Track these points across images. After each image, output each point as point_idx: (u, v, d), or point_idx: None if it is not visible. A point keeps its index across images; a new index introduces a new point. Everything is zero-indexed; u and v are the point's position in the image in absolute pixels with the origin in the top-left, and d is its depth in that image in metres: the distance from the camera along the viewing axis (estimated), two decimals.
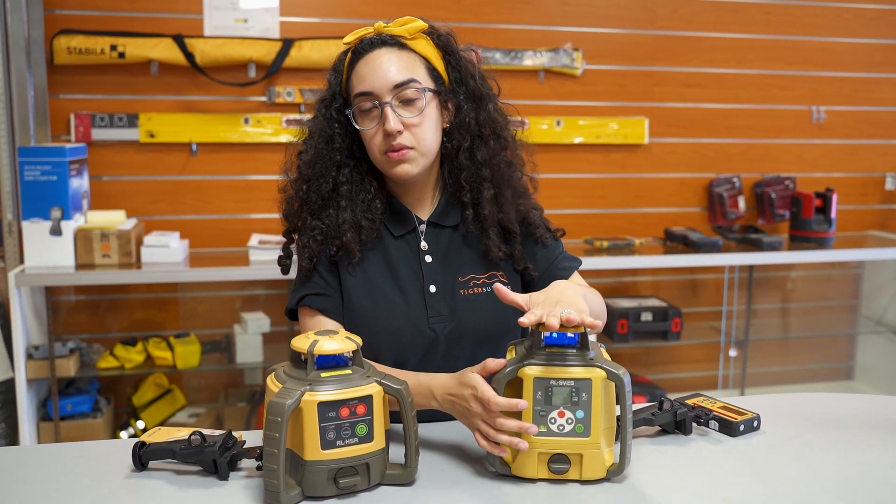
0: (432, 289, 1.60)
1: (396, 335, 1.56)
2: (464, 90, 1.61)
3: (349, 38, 1.59)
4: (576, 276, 1.70)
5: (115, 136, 3.39)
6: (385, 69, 1.53)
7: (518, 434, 1.26)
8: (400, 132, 1.52)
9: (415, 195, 1.65)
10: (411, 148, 1.54)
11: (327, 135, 1.60)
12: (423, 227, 1.64)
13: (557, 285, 1.38)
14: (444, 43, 1.61)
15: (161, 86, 3.41)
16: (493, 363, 1.30)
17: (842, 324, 4.36)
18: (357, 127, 1.56)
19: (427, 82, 1.56)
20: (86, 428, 3.18)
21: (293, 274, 1.68)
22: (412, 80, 1.54)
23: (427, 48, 1.59)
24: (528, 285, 1.68)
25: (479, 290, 1.61)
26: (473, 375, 1.32)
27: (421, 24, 1.58)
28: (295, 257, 1.67)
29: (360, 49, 1.56)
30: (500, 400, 1.27)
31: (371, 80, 1.53)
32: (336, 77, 1.62)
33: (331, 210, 1.60)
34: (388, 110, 1.52)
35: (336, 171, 1.60)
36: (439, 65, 1.60)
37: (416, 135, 1.54)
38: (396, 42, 1.56)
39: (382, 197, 1.63)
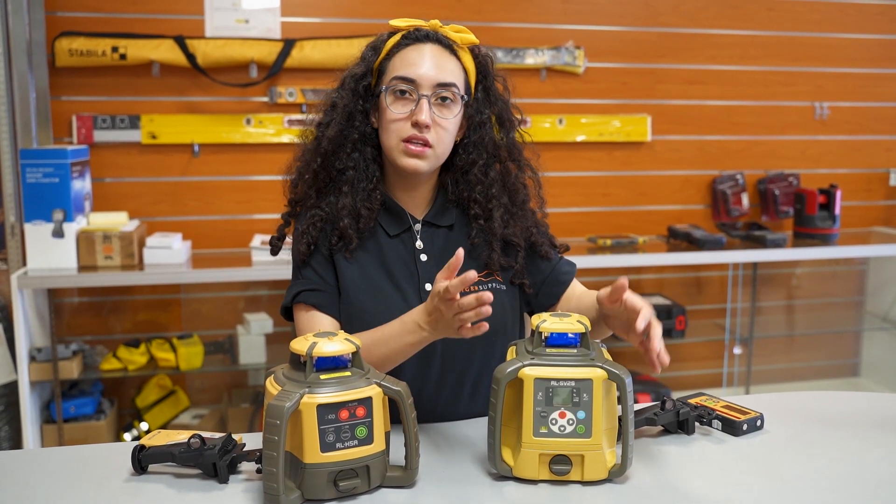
0: (428, 287, 1.61)
1: None
2: (488, 111, 1.64)
3: (401, 23, 1.61)
4: (575, 282, 1.73)
5: (116, 138, 3.39)
6: (435, 63, 1.56)
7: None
8: (428, 127, 1.54)
9: (412, 194, 1.66)
10: (431, 147, 1.55)
11: (350, 111, 1.60)
12: (418, 227, 1.65)
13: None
14: (482, 63, 1.65)
15: (163, 87, 3.41)
16: (453, 261, 1.34)
17: (847, 320, 4.34)
18: (386, 106, 1.56)
19: (463, 92, 1.59)
20: (89, 430, 3.18)
21: (288, 267, 1.69)
22: (454, 85, 1.57)
23: (469, 62, 1.63)
24: (524, 296, 1.70)
25: (476, 288, 1.61)
26: (434, 285, 1.36)
27: (473, 38, 1.63)
28: (288, 249, 1.68)
29: (414, 36, 1.59)
30: (454, 281, 1.30)
31: (418, 69, 1.55)
32: (373, 55, 1.62)
33: (332, 196, 1.61)
34: (425, 102, 1.54)
35: (350, 151, 1.60)
36: (472, 81, 1.63)
37: (440, 136, 1.56)
38: (449, 45, 1.60)
39: (381, 190, 1.63)
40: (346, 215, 1.58)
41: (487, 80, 1.65)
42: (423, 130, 1.54)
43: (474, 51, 1.64)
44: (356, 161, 1.60)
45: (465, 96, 1.60)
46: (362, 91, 1.61)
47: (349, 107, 1.60)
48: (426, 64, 1.55)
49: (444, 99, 1.56)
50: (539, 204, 1.73)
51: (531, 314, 1.74)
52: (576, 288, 1.72)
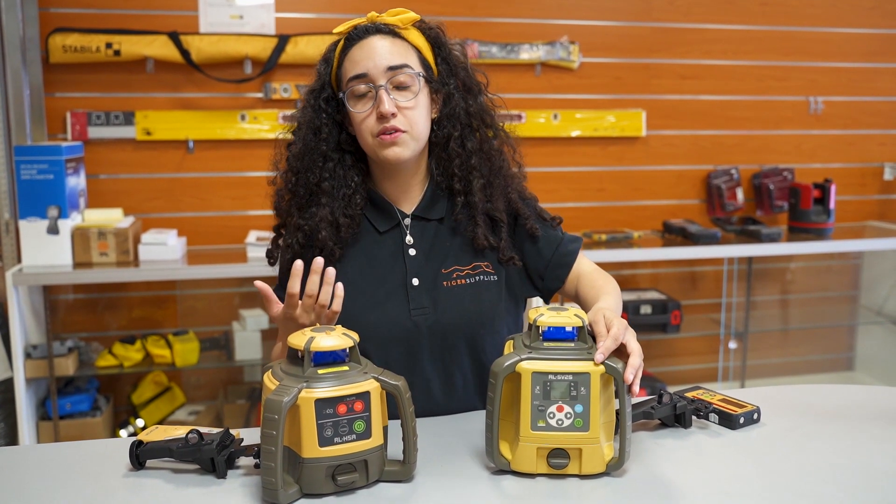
0: (415, 282, 1.61)
1: (375, 330, 1.57)
2: (454, 81, 1.64)
3: (341, 28, 1.61)
4: (582, 258, 1.72)
5: (111, 134, 3.38)
6: (380, 53, 1.56)
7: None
8: (394, 115, 1.54)
9: (401, 187, 1.66)
10: (404, 131, 1.55)
11: (315, 126, 1.62)
12: (407, 221, 1.66)
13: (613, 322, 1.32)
14: (434, 35, 1.65)
15: (157, 83, 3.40)
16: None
17: (841, 314, 4.35)
18: (350, 109, 1.57)
19: (419, 70, 1.59)
20: (85, 427, 3.18)
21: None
22: (406, 66, 1.56)
23: (418, 39, 1.62)
24: (531, 276, 1.70)
25: (462, 281, 1.62)
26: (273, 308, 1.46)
27: (413, 15, 1.62)
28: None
29: (354, 36, 1.59)
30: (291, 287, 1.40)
31: (365, 63, 1.55)
32: (326, 67, 1.64)
33: (313, 208, 1.62)
34: (383, 93, 1.54)
35: (322, 163, 1.62)
36: (429, 56, 1.63)
37: (409, 118, 1.56)
38: (390, 30, 1.59)
39: (363, 192, 1.64)
40: (324, 227, 1.59)
41: (444, 50, 1.65)
42: (391, 119, 1.54)
43: (421, 27, 1.64)
44: (331, 171, 1.62)
45: (423, 73, 1.59)
46: (323, 104, 1.62)
47: (313, 122, 1.62)
48: (372, 55, 1.55)
49: (400, 83, 1.56)
50: (517, 166, 1.72)
51: (545, 299, 1.75)
52: (582, 266, 1.71)
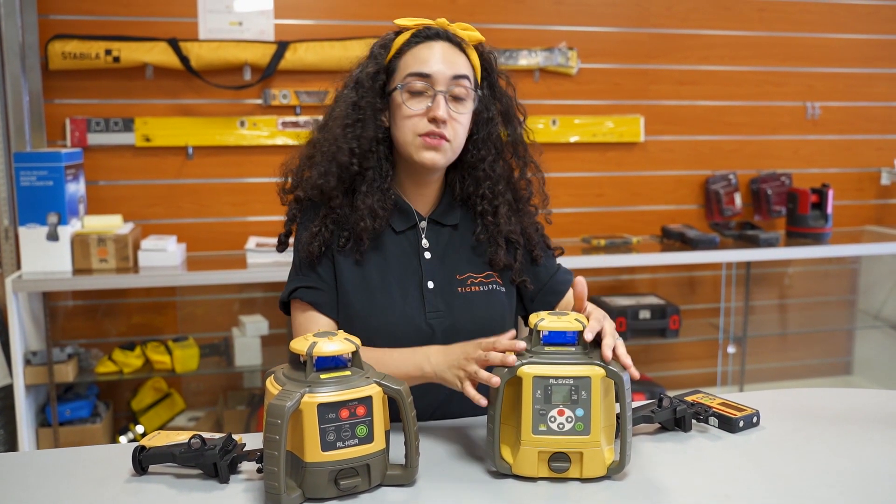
0: (430, 285, 1.62)
1: (391, 330, 1.58)
2: (494, 107, 1.67)
3: (409, 22, 1.62)
4: (570, 291, 1.76)
5: (110, 141, 3.38)
6: (447, 59, 1.58)
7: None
8: (445, 122, 1.55)
9: (421, 191, 1.67)
10: (447, 140, 1.57)
11: (374, 109, 1.60)
12: (423, 224, 1.67)
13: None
14: (487, 59, 1.67)
15: (156, 90, 3.41)
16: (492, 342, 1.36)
17: (839, 319, 4.36)
18: (402, 103, 1.57)
19: (474, 87, 1.62)
20: (85, 433, 3.17)
21: (283, 269, 1.68)
22: (467, 77, 1.59)
23: (475, 59, 1.65)
24: (522, 295, 1.74)
25: (476, 288, 1.64)
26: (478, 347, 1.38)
27: (479, 36, 1.65)
28: (293, 242, 1.68)
29: (424, 35, 1.60)
30: (502, 338, 1.34)
31: (432, 65, 1.56)
32: (383, 53, 1.62)
33: (346, 197, 1.61)
34: (441, 98, 1.55)
35: (375, 149, 1.61)
36: (478, 77, 1.65)
37: (455, 130, 1.58)
38: (458, 43, 1.61)
39: (393, 188, 1.65)
40: (367, 215, 1.59)
41: (492, 76, 1.67)
42: (441, 126, 1.55)
43: (479, 48, 1.66)
44: (375, 160, 1.61)
45: (477, 91, 1.62)
46: (379, 89, 1.61)
47: (373, 105, 1.60)
48: (439, 60, 1.57)
49: (457, 94, 1.57)
50: (542, 201, 1.76)
51: (525, 319, 1.77)
52: (570, 297, 1.75)
